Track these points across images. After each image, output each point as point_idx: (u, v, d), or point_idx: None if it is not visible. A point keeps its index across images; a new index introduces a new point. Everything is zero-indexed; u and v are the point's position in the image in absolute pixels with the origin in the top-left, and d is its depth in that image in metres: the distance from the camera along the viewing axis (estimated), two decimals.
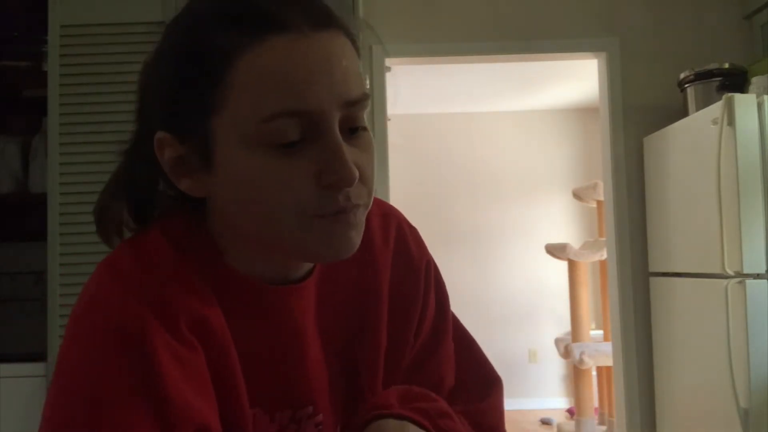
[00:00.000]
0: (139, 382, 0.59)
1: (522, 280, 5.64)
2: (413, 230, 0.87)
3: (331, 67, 0.62)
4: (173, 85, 0.65)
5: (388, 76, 3.26)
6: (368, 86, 0.69)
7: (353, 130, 0.66)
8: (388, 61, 3.24)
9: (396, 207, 0.90)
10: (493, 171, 5.74)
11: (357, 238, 0.67)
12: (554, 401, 5.58)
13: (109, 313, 0.62)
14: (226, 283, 0.69)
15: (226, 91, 0.62)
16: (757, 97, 2.54)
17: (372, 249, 0.80)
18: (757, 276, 2.47)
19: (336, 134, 0.63)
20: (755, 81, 2.77)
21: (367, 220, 0.74)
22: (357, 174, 0.63)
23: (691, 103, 2.99)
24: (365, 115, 0.67)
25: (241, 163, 0.63)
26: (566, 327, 5.09)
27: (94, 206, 0.73)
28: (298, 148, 0.63)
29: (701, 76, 2.96)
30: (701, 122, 2.74)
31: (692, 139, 2.83)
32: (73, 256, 2.25)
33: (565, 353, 4.48)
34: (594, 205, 4.62)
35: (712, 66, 2.95)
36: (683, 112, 3.02)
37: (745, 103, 2.52)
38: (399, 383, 0.80)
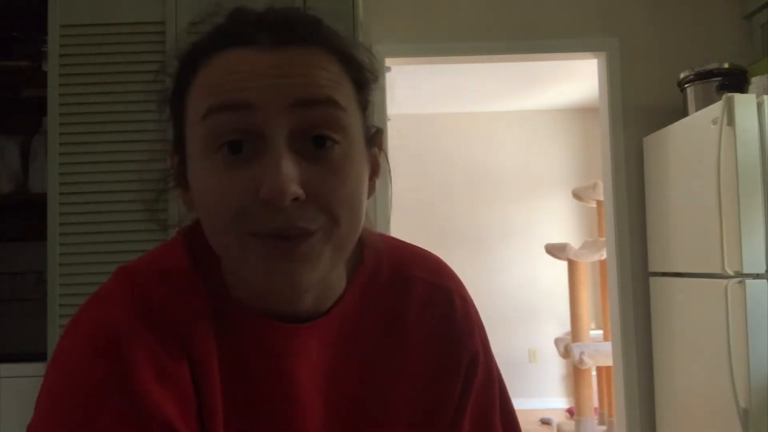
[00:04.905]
0: (112, 384, 0.59)
1: (522, 280, 5.63)
2: (467, 313, 0.77)
3: (284, 70, 0.59)
4: (168, 98, 0.69)
5: (388, 75, 3.26)
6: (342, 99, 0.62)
7: (319, 142, 0.59)
8: (388, 61, 3.24)
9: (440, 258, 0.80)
10: (493, 171, 5.73)
11: (307, 273, 0.60)
12: (554, 401, 5.58)
13: (101, 314, 0.64)
14: (223, 304, 0.68)
15: (188, 100, 0.64)
16: (757, 97, 2.54)
17: (403, 319, 0.73)
18: (757, 276, 2.47)
19: (277, 142, 0.58)
20: (755, 81, 2.77)
21: (409, 283, 0.72)
22: (292, 191, 0.56)
23: (691, 103, 2.99)
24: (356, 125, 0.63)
25: (194, 172, 0.63)
26: (566, 327, 5.09)
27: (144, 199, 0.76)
28: (244, 158, 0.59)
29: (701, 76, 2.96)
30: (701, 122, 2.74)
31: (692, 139, 2.83)
32: (73, 256, 2.25)
33: (565, 353, 4.48)
34: (594, 205, 4.62)
35: (712, 66, 2.95)
36: (683, 112, 3.02)
37: (744, 103, 2.52)
38: None
